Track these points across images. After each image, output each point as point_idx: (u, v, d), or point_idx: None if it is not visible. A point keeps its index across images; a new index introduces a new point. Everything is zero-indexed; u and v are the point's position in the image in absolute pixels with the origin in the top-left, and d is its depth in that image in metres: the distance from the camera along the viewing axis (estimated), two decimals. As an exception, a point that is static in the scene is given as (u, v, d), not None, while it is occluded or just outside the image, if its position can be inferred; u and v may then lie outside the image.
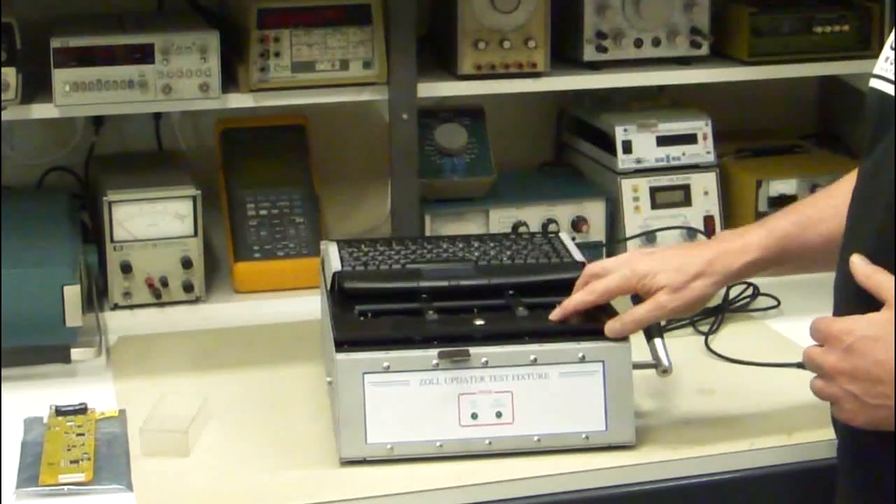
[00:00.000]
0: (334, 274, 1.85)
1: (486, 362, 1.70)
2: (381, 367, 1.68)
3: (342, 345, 1.70)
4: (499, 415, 1.70)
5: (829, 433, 1.77)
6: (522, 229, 2.33)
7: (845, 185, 1.70)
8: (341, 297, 1.82)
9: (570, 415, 1.71)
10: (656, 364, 1.80)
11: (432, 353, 1.69)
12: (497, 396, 1.70)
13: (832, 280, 1.63)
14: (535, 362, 1.70)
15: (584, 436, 1.71)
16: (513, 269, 1.88)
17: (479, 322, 1.74)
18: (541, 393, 1.70)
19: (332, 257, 1.91)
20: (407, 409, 1.69)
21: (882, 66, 1.56)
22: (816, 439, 1.78)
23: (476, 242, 1.97)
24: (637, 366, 1.78)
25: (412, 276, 1.85)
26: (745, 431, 1.76)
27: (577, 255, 1.91)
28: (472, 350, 1.70)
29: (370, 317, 1.78)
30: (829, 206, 1.75)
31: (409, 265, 1.89)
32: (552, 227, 2.34)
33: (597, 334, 1.72)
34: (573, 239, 2.08)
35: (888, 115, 1.51)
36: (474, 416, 1.70)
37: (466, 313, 1.78)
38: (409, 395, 1.69)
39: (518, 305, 1.77)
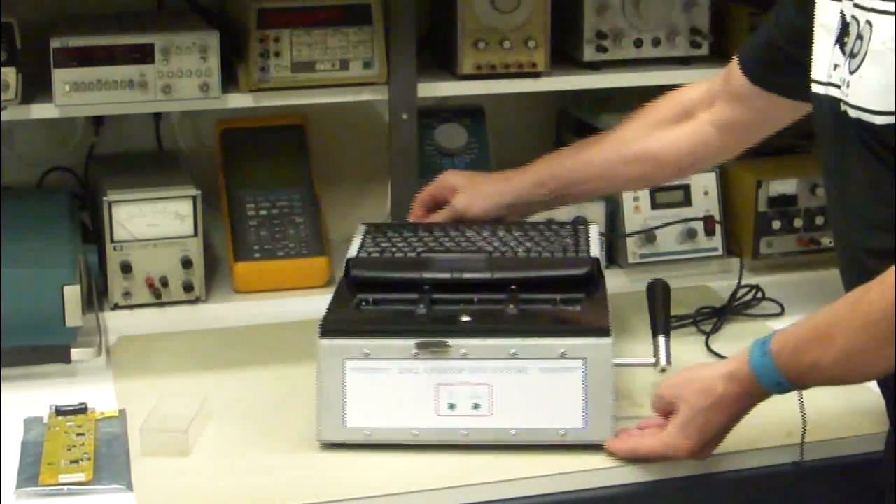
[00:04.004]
0: (347, 260, 1.89)
1: (466, 354, 1.71)
2: (362, 353, 1.71)
3: (326, 331, 1.73)
4: (476, 406, 1.71)
5: (828, 433, 1.78)
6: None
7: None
8: (349, 283, 1.85)
9: (547, 410, 1.71)
10: (655, 362, 1.80)
11: (412, 342, 1.71)
12: (475, 388, 1.71)
13: (836, 284, 1.69)
14: (514, 356, 1.71)
15: (561, 432, 1.71)
16: (521, 262, 1.88)
17: (465, 318, 1.75)
18: (519, 387, 1.71)
19: (354, 243, 1.95)
20: (386, 397, 1.71)
21: (829, 72, 1.60)
22: (816, 439, 1.78)
23: (501, 232, 1.98)
24: (635, 364, 1.80)
25: (419, 267, 1.87)
26: (745, 431, 1.76)
27: (594, 251, 1.90)
28: (452, 342, 1.71)
29: (370, 305, 1.81)
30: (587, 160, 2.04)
31: (425, 254, 1.90)
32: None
33: (579, 332, 1.72)
34: (602, 233, 2.07)
35: (848, 127, 1.56)
36: (452, 406, 1.71)
37: (466, 305, 1.79)
38: (389, 382, 1.71)
39: (511, 302, 1.78)
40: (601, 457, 1.71)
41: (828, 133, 1.62)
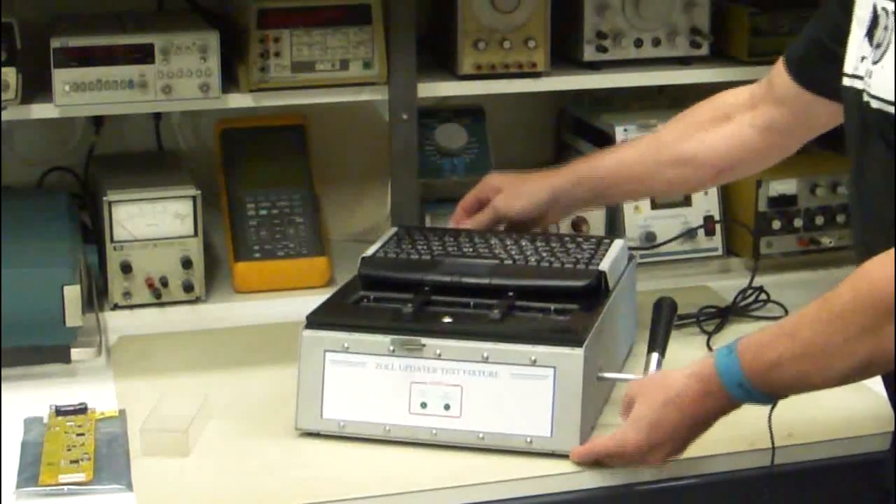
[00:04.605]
0: (360, 258, 1.91)
1: (440, 354, 1.72)
2: (342, 346, 1.74)
3: (310, 323, 1.77)
4: (447, 407, 1.72)
5: (829, 433, 1.78)
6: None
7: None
8: (360, 281, 1.89)
9: (516, 416, 1.71)
10: (642, 377, 1.78)
11: (388, 338, 1.73)
12: (447, 389, 1.72)
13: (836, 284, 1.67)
14: (486, 360, 1.71)
15: (528, 439, 1.71)
16: (523, 271, 1.88)
17: (446, 320, 1.77)
18: (490, 391, 1.71)
19: (377, 242, 1.98)
20: (361, 391, 1.74)
21: (857, 64, 1.59)
22: (817, 439, 1.78)
23: (524, 241, 1.98)
24: (620, 379, 1.80)
25: (424, 269, 1.88)
26: (745, 431, 1.76)
27: (604, 265, 1.89)
28: (427, 341, 1.72)
29: (371, 302, 1.84)
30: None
31: (439, 256, 1.92)
32: (552, 228, 2.34)
33: (551, 340, 1.72)
34: (632, 248, 2.08)
35: (869, 119, 1.55)
36: (423, 405, 1.73)
37: (462, 308, 1.80)
38: (365, 377, 1.74)
39: (500, 307, 1.78)
40: (570, 462, 1.70)
41: (852, 127, 1.61)
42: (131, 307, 2.18)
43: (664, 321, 1.89)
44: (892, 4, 1.52)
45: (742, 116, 1.96)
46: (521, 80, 2.29)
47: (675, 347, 1.87)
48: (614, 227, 2.38)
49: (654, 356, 1.81)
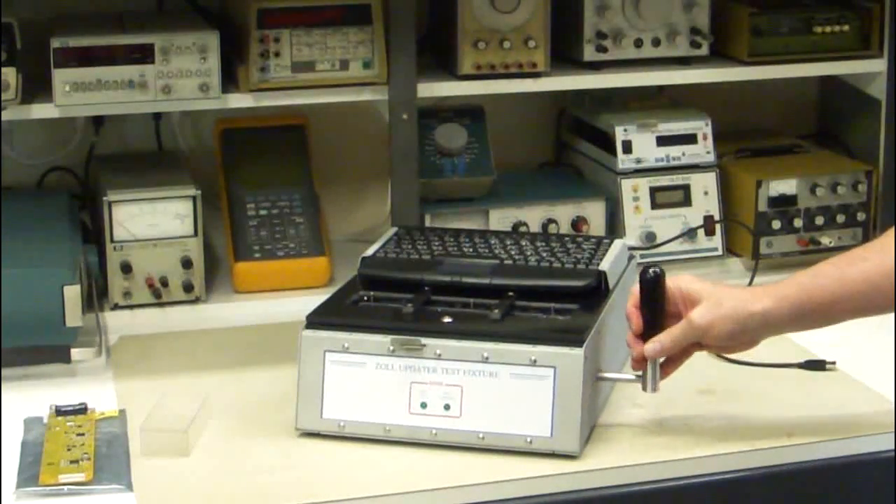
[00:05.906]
0: (360, 258, 1.92)
1: (440, 354, 1.73)
2: (342, 346, 1.75)
3: (310, 323, 1.77)
4: (447, 407, 1.72)
5: (829, 433, 1.78)
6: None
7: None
8: (360, 281, 1.90)
9: (516, 416, 1.71)
10: (642, 385, 1.76)
11: (388, 339, 1.74)
12: (447, 389, 1.73)
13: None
14: (486, 360, 1.72)
15: (528, 439, 1.71)
16: (524, 271, 1.89)
17: (446, 320, 1.77)
18: (490, 391, 1.72)
19: (377, 242, 1.99)
20: (361, 390, 1.74)
21: None
22: (816, 440, 1.78)
23: (525, 241, 1.99)
24: (620, 379, 1.80)
25: (424, 269, 1.89)
26: (745, 432, 1.76)
27: (604, 265, 1.89)
28: (427, 341, 1.73)
29: (370, 301, 1.84)
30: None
31: (439, 256, 1.93)
32: (552, 228, 2.34)
33: (551, 340, 1.72)
34: (632, 247, 2.04)
35: None
36: (423, 405, 1.73)
37: (462, 308, 1.81)
38: (365, 376, 1.74)
39: (500, 307, 1.78)
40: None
41: None
42: (131, 307, 2.18)
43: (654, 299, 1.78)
44: None
45: None
46: (521, 80, 2.29)
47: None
48: (614, 227, 2.38)
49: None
